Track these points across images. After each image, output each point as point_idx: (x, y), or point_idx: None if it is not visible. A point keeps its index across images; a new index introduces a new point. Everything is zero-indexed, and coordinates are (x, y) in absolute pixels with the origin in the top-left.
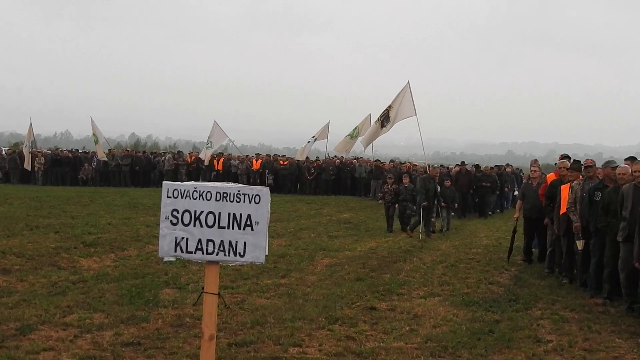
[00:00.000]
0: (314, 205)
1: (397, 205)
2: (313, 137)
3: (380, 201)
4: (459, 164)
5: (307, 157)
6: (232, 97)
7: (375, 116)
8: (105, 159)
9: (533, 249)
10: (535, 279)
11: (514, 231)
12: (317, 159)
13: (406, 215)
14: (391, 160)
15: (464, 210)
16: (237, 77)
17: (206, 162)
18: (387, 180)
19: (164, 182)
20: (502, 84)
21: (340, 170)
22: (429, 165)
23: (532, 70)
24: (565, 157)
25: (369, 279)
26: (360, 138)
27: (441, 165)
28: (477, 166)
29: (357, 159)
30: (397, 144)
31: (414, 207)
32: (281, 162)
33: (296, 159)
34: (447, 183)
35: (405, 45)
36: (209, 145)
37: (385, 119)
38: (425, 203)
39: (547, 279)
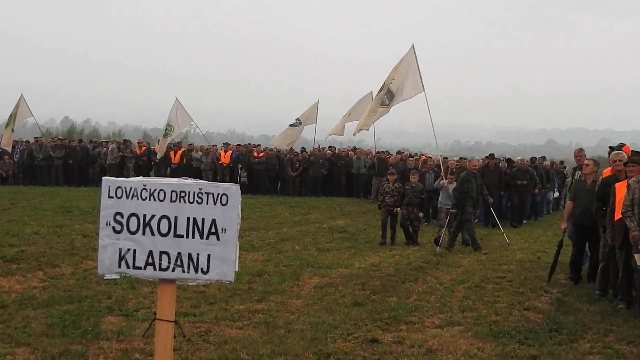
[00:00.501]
0: (299, 209)
1: (399, 209)
2: (297, 119)
3: (380, 210)
4: (487, 157)
5: (292, 148)
6: (193, 72)
7: (376, 92)
8: (8, 148)
9: (582, 265)
10: (584, 303)
11: (560, 245)
12: (304, 151)
13: (411, 224)
14: (398, 152)
15: (488, 215)
16: (200, 48)
17: (160, 155)
18: (388, 177)
19: (104, 178)
20: (541, 56)
21: (332, 165)
22: (445, 158)
23: (578, 38)
24: (617, 147)
25: (369, 304)
26: (354, 122)
27: (460, 158)
28: (509, 160)
29: (354, 149)
30: (406, 131)
31: (421, 215)
32: (256, 154)
33: (274, 146)
34: None
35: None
36: (168, 131)
37: (387, 95)
38: (454, 210)
39: (598, 303)
